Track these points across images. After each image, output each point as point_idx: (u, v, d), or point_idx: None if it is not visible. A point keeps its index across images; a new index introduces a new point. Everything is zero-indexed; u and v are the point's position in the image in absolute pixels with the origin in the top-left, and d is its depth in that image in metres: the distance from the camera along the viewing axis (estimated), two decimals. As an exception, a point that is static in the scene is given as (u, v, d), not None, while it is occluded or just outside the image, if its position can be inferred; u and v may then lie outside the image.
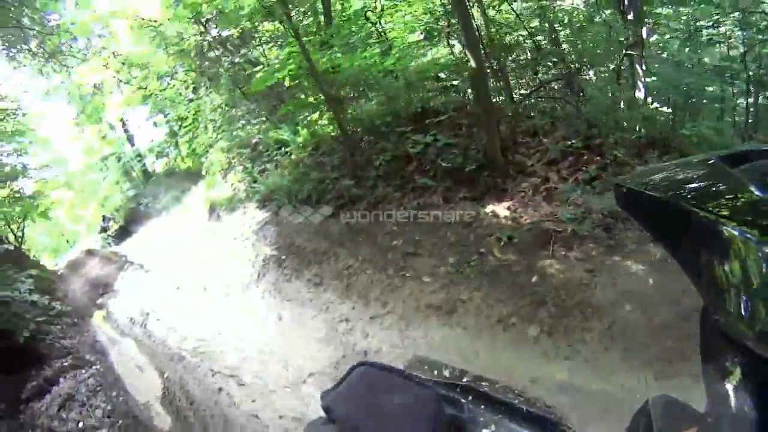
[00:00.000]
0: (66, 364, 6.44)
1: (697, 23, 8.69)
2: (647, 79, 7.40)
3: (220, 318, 6.35)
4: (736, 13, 8.29)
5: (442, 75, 8.04)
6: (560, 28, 6.97)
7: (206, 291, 7.42)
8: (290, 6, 7.25)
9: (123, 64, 13.04)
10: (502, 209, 5.44)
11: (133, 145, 20.05)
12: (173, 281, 8.61)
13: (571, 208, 5.10)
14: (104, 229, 16.75)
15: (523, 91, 7.49)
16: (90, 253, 15.14)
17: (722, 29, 8.73)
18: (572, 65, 6.68)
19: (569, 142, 5.83)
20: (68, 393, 5.68)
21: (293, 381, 4.55)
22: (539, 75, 7.13)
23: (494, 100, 6.91)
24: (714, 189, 0.49)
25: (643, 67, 7.47)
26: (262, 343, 5.32)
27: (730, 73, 9.06)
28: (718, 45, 9.32)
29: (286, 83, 8.32)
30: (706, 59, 9.20)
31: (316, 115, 9.02)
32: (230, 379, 4.94)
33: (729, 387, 0.41)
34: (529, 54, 7.06)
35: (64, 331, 7.64)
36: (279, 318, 5.62)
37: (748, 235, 0.34)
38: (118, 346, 7.18)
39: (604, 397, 3.27)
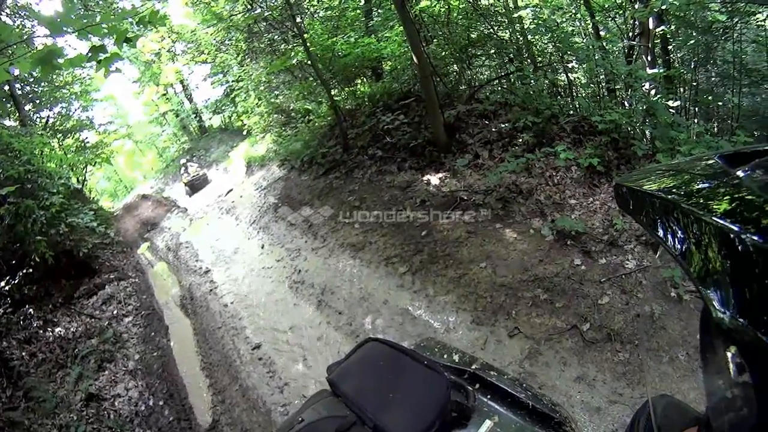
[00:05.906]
0: (112, 276, 8.17)
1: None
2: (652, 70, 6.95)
3: (227, 247, 8.26)
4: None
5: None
6: (531, 26, 7.65)
7: (225, 228, 9.44)
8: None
9: (177, 33, 14.70)
10: (435, 178, 6.73)
11: (191, 102, 21.87)
12: (205, 221, 10.79)
13: (485, 180, 5.98)
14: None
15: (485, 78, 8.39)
16: (144, 197, 17.29)
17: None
18: (525, 59, 7.45)
19: (502, 125, 6.85)
20: (110, 294, 7.43)
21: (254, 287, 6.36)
22: (505, 66, 8.00)
23: (455, 87, 7.99)
24: (713, 189, 0.49)
25: (649, 58, 7.57)
26: (247, 263, 7.17)
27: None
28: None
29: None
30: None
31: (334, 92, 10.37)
32: (220, 285, 6.83)
33: (729, 387, 0.39)
34: (493, 49, 7.93)
35: (114, 255, 9.62)
36: (262, 246, 7.44)
37: (743, 231, 0.34)
38: (155, 266, 9.32)
39: (424, 325, 4.18)
